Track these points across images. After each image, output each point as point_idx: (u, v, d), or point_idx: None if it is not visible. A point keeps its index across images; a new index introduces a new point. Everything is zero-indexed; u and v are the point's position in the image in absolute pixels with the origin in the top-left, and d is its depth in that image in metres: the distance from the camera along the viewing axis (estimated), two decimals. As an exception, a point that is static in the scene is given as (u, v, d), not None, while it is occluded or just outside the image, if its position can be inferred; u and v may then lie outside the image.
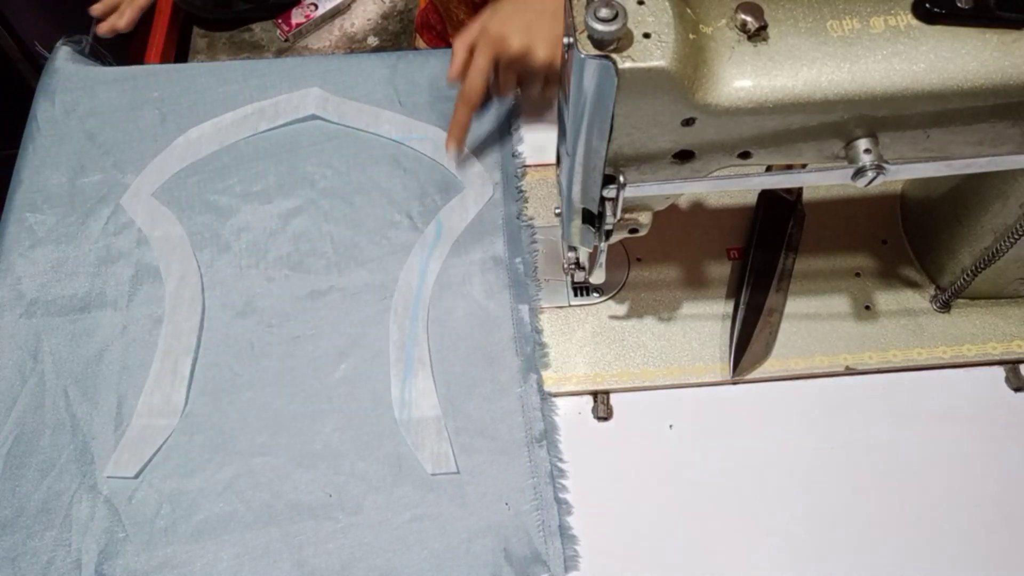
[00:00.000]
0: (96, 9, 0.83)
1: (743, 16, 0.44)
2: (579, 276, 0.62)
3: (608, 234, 0.54)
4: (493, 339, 0.63)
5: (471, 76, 0.67)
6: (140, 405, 0.61)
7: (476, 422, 0.60)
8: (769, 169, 0.53)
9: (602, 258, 0.57)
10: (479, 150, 0.72)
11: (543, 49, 0.66)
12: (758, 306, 0.63)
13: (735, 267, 0.66)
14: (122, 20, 0.82)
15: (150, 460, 0.59)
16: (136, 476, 0.58)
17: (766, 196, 0.67)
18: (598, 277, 0.60)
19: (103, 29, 0.82)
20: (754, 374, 0.62)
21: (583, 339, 0.64)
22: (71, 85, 0.77)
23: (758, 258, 0.65)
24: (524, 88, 0.73)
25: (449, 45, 0.95)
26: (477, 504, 0.57)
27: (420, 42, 0.99)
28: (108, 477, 0.58)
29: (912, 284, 0.65)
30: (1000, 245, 0.56)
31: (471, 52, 0.67)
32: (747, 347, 0.62)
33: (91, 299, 0.66)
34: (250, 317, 0.65)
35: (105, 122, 0.75)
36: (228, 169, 0.72)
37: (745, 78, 0.44)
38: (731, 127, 0.45)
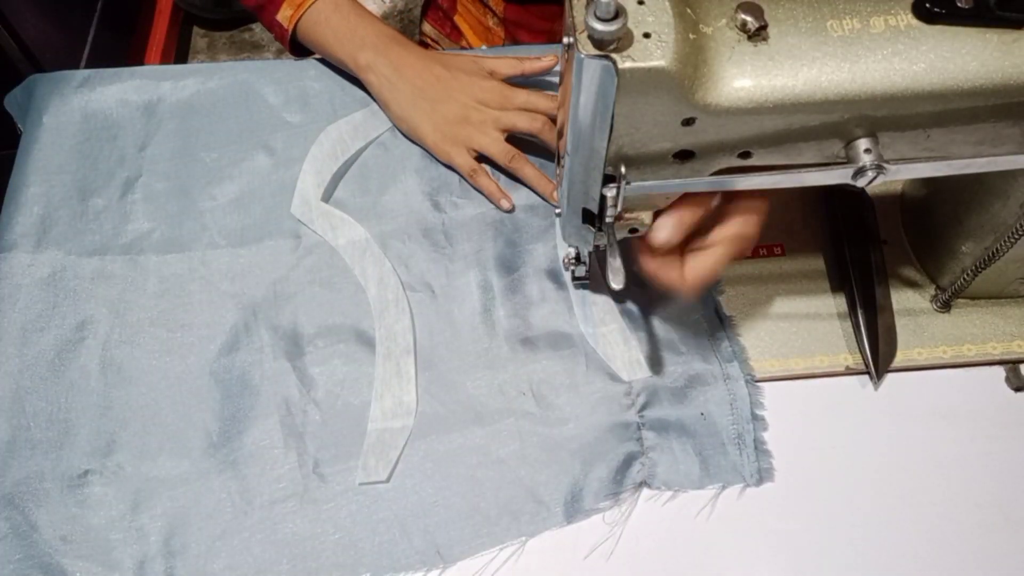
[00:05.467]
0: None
1: (743, 16, 0.43)
2: (579, 271, 0.63)
3: (611, 234, 0.53)
4: None
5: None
6: (372, 411, 0.61)
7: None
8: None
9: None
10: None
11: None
12: (871, 304, 0.62)
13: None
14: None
15: (396, 462, 0.59)
16: (387, 480, 0.58)
17: (829, 189, 0.66)
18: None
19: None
20: (754, 374, 0.62)
21: (583, 339, 0.64)
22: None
23: (854, 254, 0.64)
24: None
25: (455, 28, 0.94)
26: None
27: (425, 25, 0.97)
28: (360, 484, 0.58)
29: (912, 284, 0.65)
30: (1000, 245, 0.56)
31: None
32: (877, 347, 0.61)
33: None
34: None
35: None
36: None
37: (745, 78, 0.44)
38: (731, 127, 0.45)
